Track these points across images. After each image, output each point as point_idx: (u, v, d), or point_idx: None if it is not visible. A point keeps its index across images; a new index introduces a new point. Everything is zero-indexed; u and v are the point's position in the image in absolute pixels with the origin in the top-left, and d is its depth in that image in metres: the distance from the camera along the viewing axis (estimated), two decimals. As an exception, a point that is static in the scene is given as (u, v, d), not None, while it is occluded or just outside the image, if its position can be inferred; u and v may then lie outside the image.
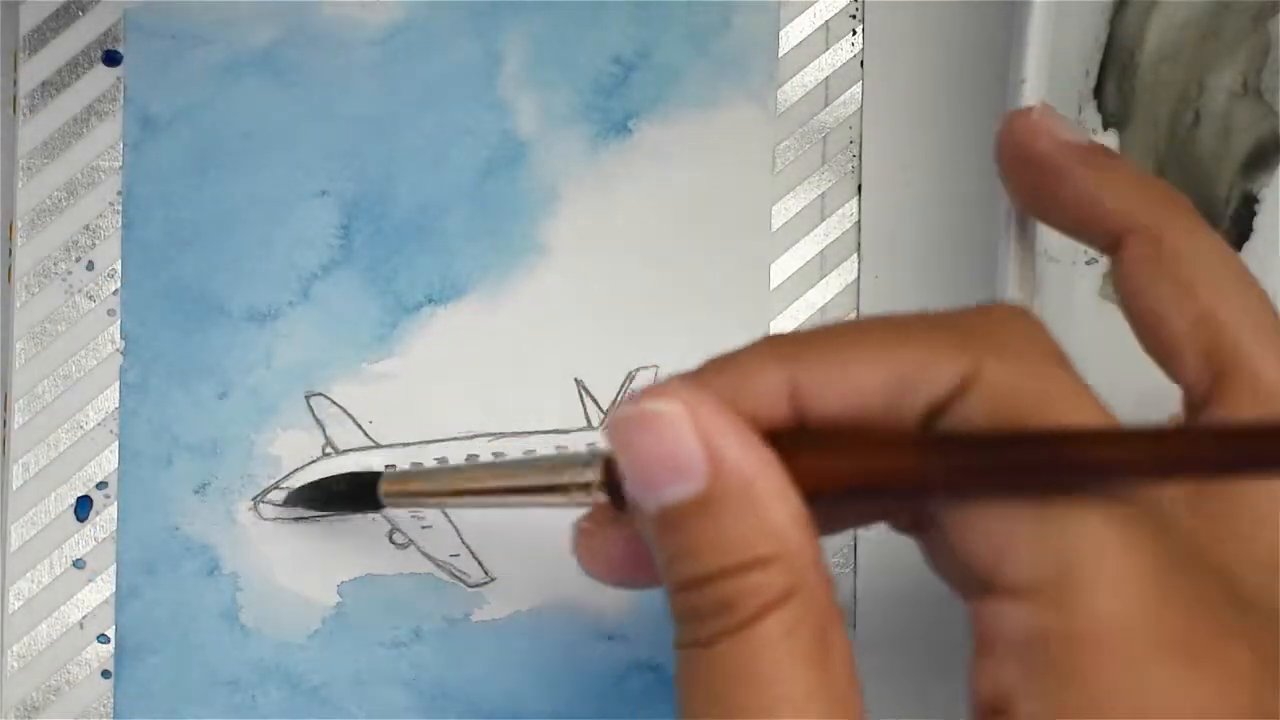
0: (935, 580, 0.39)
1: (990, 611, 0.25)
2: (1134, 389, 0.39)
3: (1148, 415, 0.39)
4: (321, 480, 0.38)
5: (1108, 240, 0.30)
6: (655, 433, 0.25)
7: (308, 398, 0.40)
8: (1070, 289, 0.39)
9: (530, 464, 0.31)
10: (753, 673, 0.25)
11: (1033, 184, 0.31)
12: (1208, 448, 0.25)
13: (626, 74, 0.40)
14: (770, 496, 0.25)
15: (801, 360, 0.26)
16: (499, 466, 0.33)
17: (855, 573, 0.40)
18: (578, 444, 0.40)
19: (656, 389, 0.25)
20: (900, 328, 0.26)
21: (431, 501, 0.36)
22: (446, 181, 0.40)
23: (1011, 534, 0.25)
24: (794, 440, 0.25)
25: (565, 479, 0.28)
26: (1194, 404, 0.29)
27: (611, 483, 0.27)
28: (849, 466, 0.25)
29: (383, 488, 0.35)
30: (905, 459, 0.25)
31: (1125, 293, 0.30)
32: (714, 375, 0.26)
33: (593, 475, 0.27)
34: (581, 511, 0.29)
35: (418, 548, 0.39)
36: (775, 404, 0.26)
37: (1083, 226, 0.30)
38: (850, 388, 0.25)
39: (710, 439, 0.25)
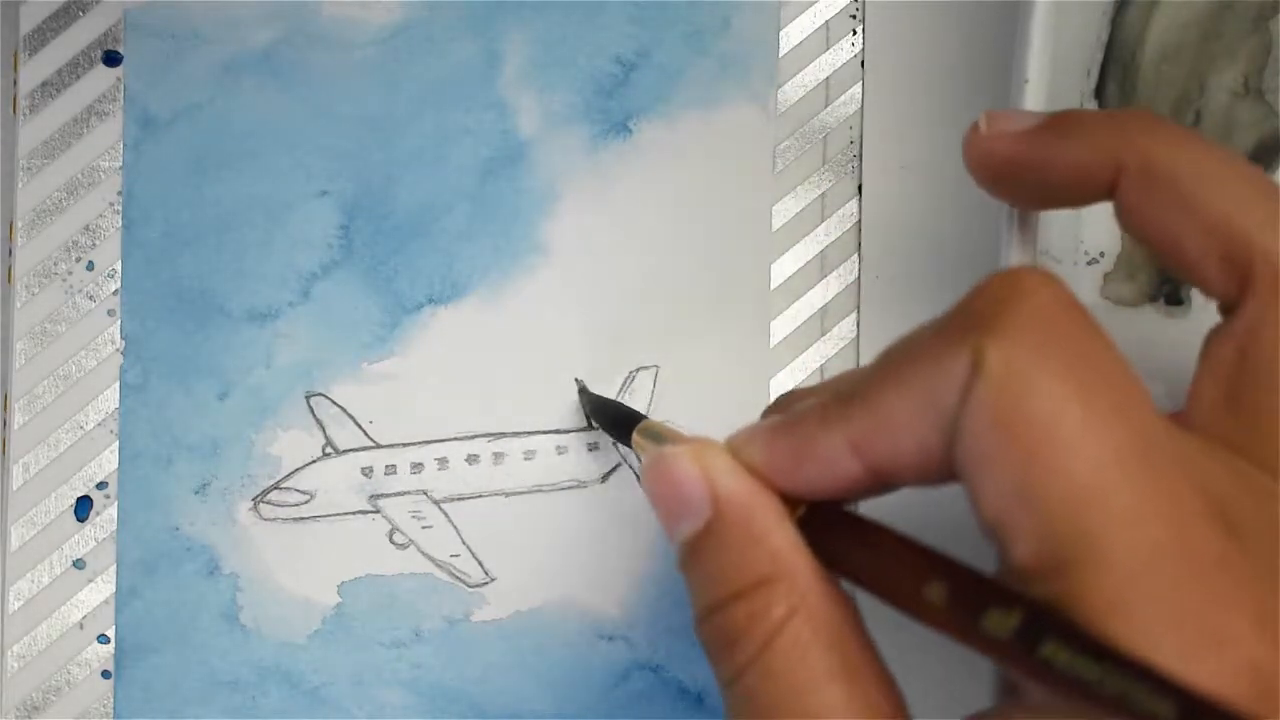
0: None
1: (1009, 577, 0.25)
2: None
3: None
4: (611, 403, 0.39)
5: (1105, 188, 0.30)
6: (667, 474, 0.28)
7: (308, 398, 0.40)
8: (1071, 289, 0.39)
9: None
10: (780, 699, 0.26)
11: (1016, 185, 0.31)
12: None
13: (626, 74, 0.40)
14: (767, 524, 0.27)
15: (846, 420, 0.27)
16: None
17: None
18: (578, 444, 0.40)
19: (675, 439, 0.29)
20: (913, 347, 0.26)
21: None
22: (446, 181, 0.40)
23: (1012, 520, 0.25)
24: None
25: None
26: (1228, 310, 0.29)
27: None
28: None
29: (635, 437, 0.35)
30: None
31: (1135, 228, 0.30)
32: (781, 445, 0.28)
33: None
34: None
35: (418, 548, 0.39)
36: (843, 462, 0.27)
37: (1080, 191, 0.30)
38: (889, 431, 0.26)
39: (712, 478, 0.27)
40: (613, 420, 0.38)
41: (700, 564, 0.28)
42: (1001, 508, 0.25)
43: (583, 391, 0.40)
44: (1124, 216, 0.30)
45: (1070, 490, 0.24)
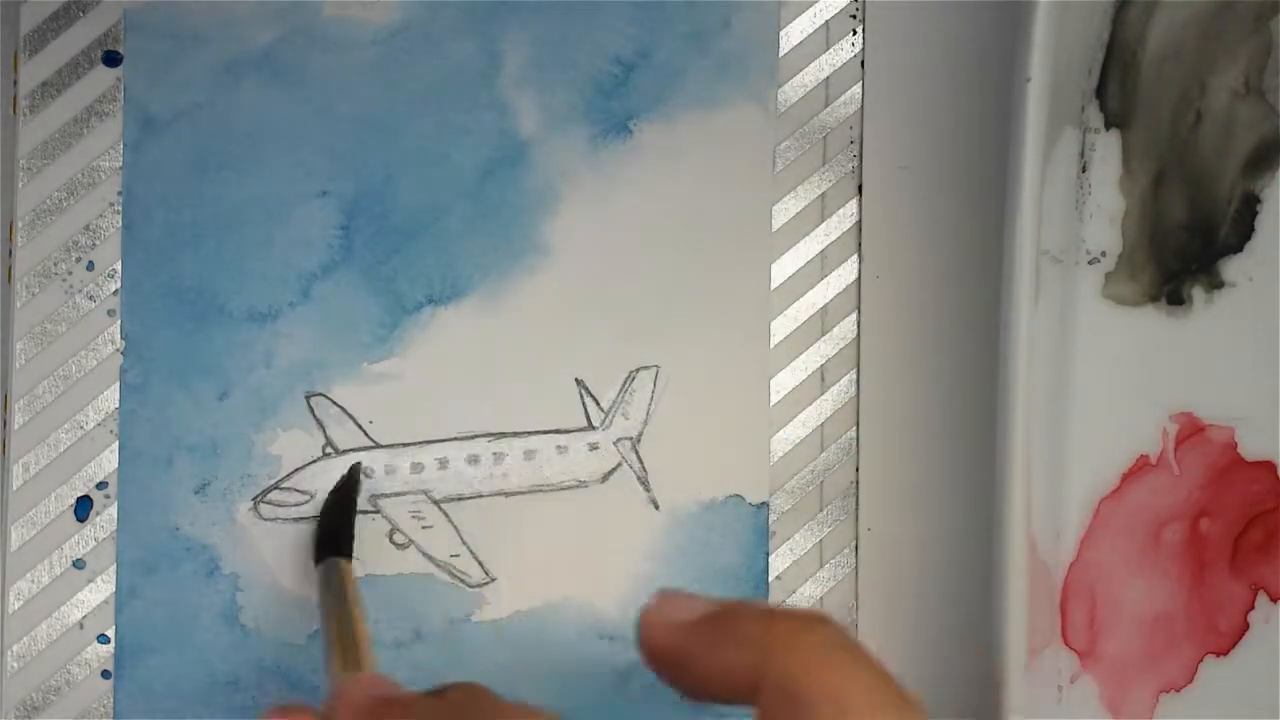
0: (936, 581, 0.39)
1: None
2: (1133, 388, 0.40)
3: (1145, 413, 0.40)
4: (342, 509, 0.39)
5: (746, 696, 0.29)
6: None
7: (308, 398, 0.40)
8: (1071, 289, 0.39)
9: None
10: None
11: (672, 675, 0.31)
12: None
13: (626, 74, 0.40)
14: None
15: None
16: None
17: (856, 573, 0.40)
18: (578, 444, 0.40)
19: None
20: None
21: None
22: (446, 181, 0.40)
23: None
24: None
25: None
26: None
27: None
28: None
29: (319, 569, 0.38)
30: None
31: None
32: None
33: None
34: None
35: (418, 548, 0.39)
36: None
37: (725, 693, 0.29)
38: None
39: None
40: (324, 531, 0.38)
41: None
42: None
43: (339, 494, 0.39)
44: None
45: None
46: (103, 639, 0.39)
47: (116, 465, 0.39)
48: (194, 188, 0.40)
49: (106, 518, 0.39)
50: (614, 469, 0.40)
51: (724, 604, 0.30)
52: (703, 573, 0.40)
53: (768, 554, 0.40)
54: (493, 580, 0.40)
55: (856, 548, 0.40)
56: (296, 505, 0.39)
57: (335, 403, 0.40)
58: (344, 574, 0.37)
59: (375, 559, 0.39)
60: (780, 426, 0.40)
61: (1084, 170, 0.39)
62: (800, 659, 0.28)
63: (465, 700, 0.30)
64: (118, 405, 0.39)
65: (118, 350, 0.39)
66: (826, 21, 0.41)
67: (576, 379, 0.40)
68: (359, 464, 0.39)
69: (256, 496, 0.39)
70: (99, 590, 0.39)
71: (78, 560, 0.39)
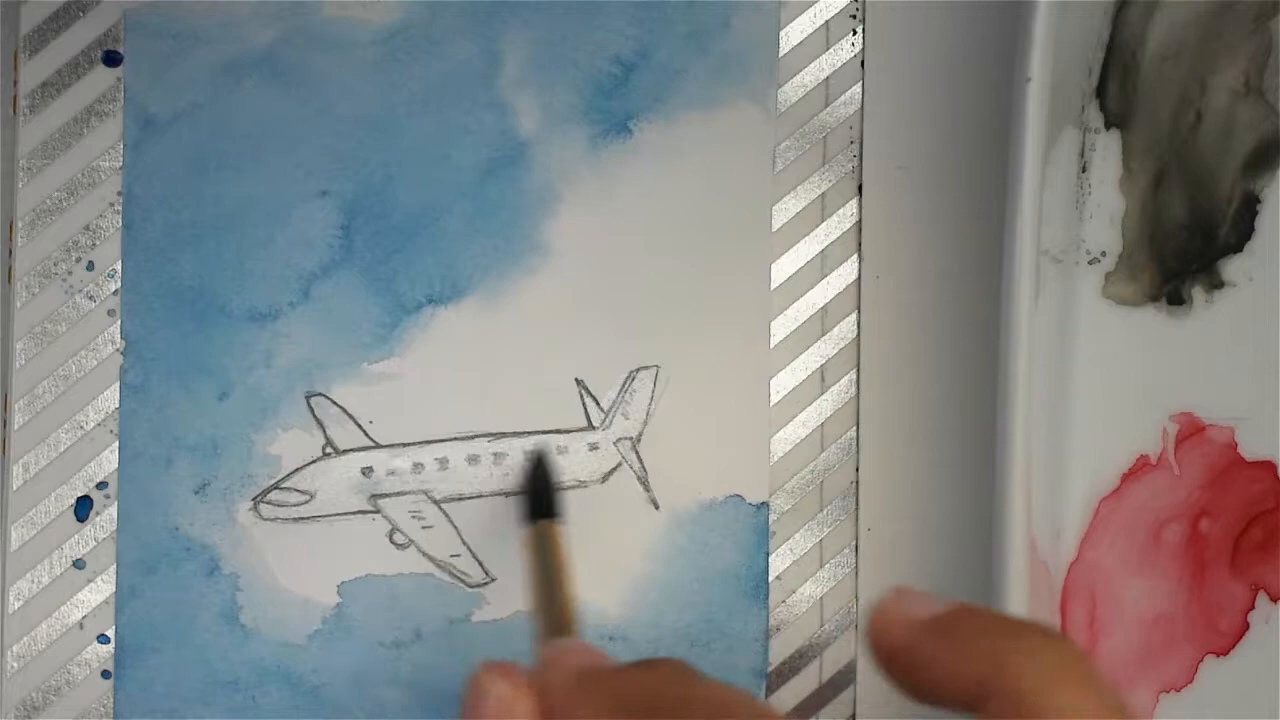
0: (936, 581, 0.39)
1: None
2: (1133, 388, 0.40)
3: (1145, 413, 0.40)
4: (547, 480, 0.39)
5: (973, 706, 0.28)
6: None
7: (308, 398, 0.40)
8: (1071, 289, 0.39)
9: None
10: None
11: (899, 672, 0.30)
12: None
13: (626, 74, 0.40)
14: None
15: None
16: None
17: (856, 573, 0.40)
18: (578, 444, 0.40)
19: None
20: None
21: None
22: (446, 181, 0.40)
23: None
24: None
25: None
26: None
27: None
28: None
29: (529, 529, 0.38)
30: None
31: None
32: None
33: None
34: None
35: (418, 548, 0.39)
36: None
37: (951, 700, 0.29)
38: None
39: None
40: (533, 494, 0.38)
41: None
42: None
43: (540, 458, 0.39)
44: None
45: None
46: (103, 639, 0.39)
47: (116, 465, 0.39)
48: (194, 188, 0.40)
49: (106, 518, 0.39)
50: (614, 469, 0.40)
51: (960, 606, 0.30)
52: (703, 573, 0.40)
53: (768, 554, 0.40)
54: (493, 580, 0.40)
55: (856, 548, 0.40)
56: (296, 505, 0.39)
57: (335, 403, 0.40)
58: (553, 537, 0.37)
59: (375, 559, 0.39)
60: (780, 426, 0.40)
61: (1084, 170, 0.39)
62: (1035, 677, 0.27)
63: (672, 675, 0.30)
64: (118, 405, 0.39)
65: (118, 350, 0.39)
66: (826, 21, 0.41)
67: (576, 379, 0.40)
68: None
69: (256, 496, 0.39)
70: (99, 590, 0.39)
71: (78, 560, 0.39)
